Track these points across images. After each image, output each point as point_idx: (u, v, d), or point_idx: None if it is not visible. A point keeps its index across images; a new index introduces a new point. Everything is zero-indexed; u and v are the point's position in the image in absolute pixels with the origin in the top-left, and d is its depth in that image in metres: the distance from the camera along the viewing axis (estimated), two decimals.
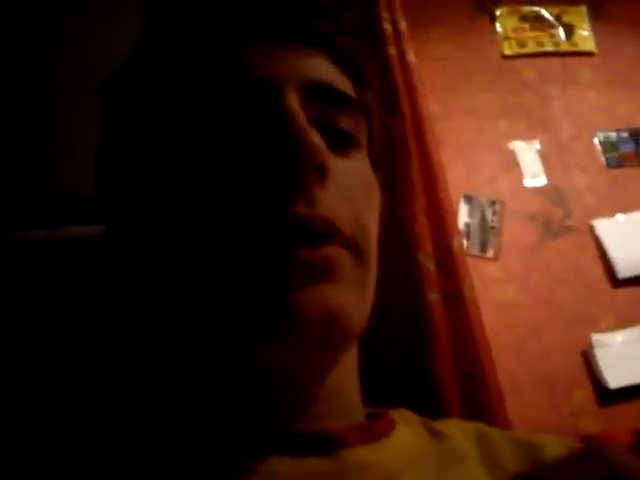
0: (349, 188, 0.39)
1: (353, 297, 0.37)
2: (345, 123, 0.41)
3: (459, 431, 0.44)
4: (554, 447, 0.44)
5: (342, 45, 0.43)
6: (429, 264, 1.18)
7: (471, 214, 1.89)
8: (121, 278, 0.45)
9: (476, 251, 1.84)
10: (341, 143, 0.41)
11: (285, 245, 0.34)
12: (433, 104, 1.81)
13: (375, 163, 0.46)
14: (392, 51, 1.36)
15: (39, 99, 1.10)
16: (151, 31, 0.45)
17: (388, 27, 1.38)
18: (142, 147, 0.41)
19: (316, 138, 0.35)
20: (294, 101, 0.37)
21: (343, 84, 0.42)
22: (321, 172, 0.36)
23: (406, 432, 0.42)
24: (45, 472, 0.35)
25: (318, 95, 0.40)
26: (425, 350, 1.14)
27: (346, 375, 0.42)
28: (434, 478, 0.39)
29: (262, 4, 0.41)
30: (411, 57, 1.38)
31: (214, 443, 0.37)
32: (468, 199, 1.91)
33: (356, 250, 0.38)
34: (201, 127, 0.38)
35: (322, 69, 0.41)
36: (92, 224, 0.57)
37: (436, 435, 0.43)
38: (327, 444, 0.37)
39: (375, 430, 0.40)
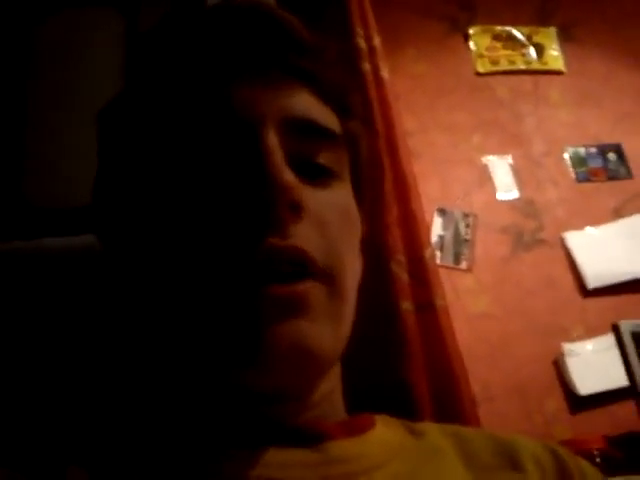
0: (325, 220, 0.40)
1: (326, 330, 0.38)
2: (325, 157, 0.42)
3: (437, 431, 0.46)
4: (528, 443, 0.45)
5: (325, 78, 0.44)
6: (402, 274, 1.21)
7: (445, 226, 1.93)
8: (113, 291, 0.46)
9: (450, 263, 1.88)
10: (320, 175, 0.41)
11: (257, 280, 0.35)
12: (409, 120, 1.86)
13: (359, 188, 0.47)
14: (366, 67, 1.39)
15: (12, 111, 1.11)
16: (141, 66, 0.47)
17: (362, 43, 1.42)
18: (134, 172, 0.42)
19: (290, 177, 0.37)
20: (272, 139, 0.38)
21: (325, 117, 0.43)
22: (295, 208, 0.37)
23: (386, 429, 0.44)
24: (33, 466, 0.36)
25: (298, 130, 0.40)
26: (398, 359, 1.17)
27: (331, 386, 0.43)
28: (414, 469, 0.40)
29: (244, 41, 0.42)
30: (385, 73, 1.42)
31: (208, 436, 0.38)
32: (442, 212, 1.95)
33: (330, 282, 0.39)
34: (186, 161, 0.39)
35: (303, 104, 0.42)
36: (64, 235, 0.58)
37: (415, 433, 0.45)
38: (314, 437, 0.39)
39: (356, 425, 0.42)
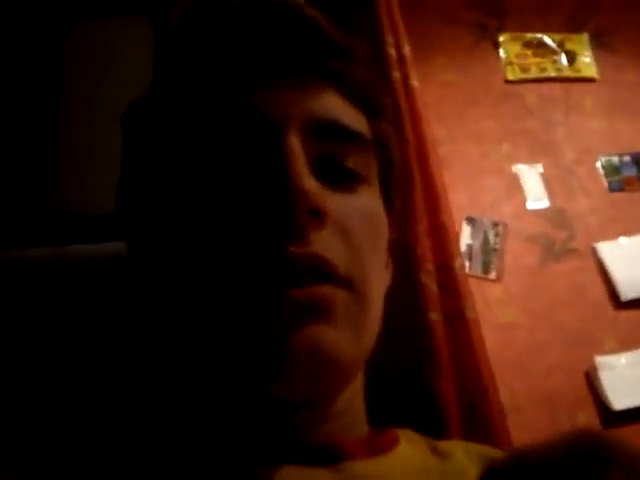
0: (349, 226, 0.39)
1: (346, 336, 0.37)
2: (351, 161, 0.41)
3: (462, 452, 0.44)
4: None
5: (353, 79, 0.43)
6: (431, 284, 1.20)
7: (474, 236, 1.91)
8: (139, 297, 0.46)
9: (478, 272, 1.86)
10: (347, 179, 0.41)
11: (276, 286, 0.35)
12: (437, 128, 1.85)
13: (389, 193, 0.46)
14: (396, 75, 1.39)
15: (41, 117, 1.13)
16: (167, 65, 0.46)
17: (392, 52, 1.41)
18: (158, 175, 0.42)
19: (310, 183, 0.36)
20: (294, 142, 0.38)
21: (353, 119, 0.42)
22: (317, 215, 0.36)
23: (409, 448, 0.43)
24: (54, 475, 0.36)
25: (324, 132, 0.40)
26: (427, 369, 1.16)
27: (354, 394, 0.43)
28: None
29: (271, 40, 0.41)
30: (415, 82, 1.41)
31: (225, 450, 0.38)
32: (471, 221, 1.93)
33: (352, 289, 0.38)
34: (209, 164, 0.39)
35: (329, 105, 0.41)
36: (93, 242, 0.59)
37: (439, 453, 0.43)
38: (333, 456, 0.38)
39: (379, 444, 0.41)
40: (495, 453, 0.46)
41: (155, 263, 0.41)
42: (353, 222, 0.40)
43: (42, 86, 1.14)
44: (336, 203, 0.38)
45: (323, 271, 0.36)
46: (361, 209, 0.41)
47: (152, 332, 0.46)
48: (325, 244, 0.37)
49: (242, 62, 0.41)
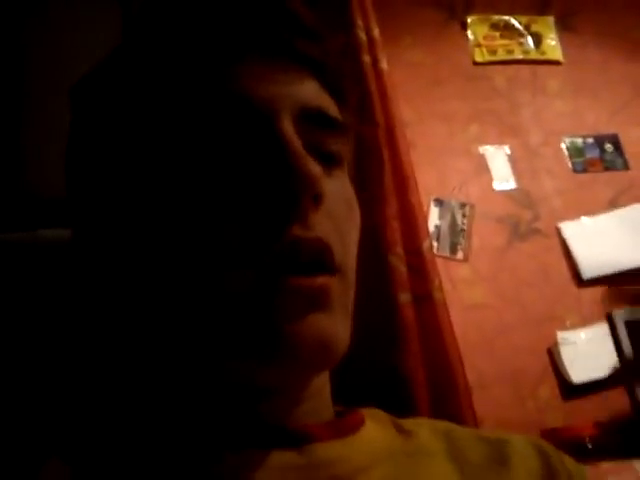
0: (336, 210, 0.39)
1: (342, 324, 0.37)
2: (335, 146, 0.41)
3: (427, 429, 0.45)
4: (519, 443, 0.46)
5: (330, 68, 0.43)
6: (400, 266, 1.22)
7: (441, 217, 1.94)
8: (89, 283, 0.44)
9: (446, 253, 1.89)
10: (327, 164, 0.40)
11: (278, 272, 0.34)
12: (405, 109, 1.86)
13: (360, 176, 0.47)
14: (366, 59, 1.39)
15: (10, 100, 1.10)
16: (132, 36, 0.44)
17: (362, 35, 1.42)
18: (116, 153, 0.40)
19: (315, 167, 0.35)
20: (290, 127, 0.37)
21: (332, 107, 0.42)
22: (318, 199, 0.36)
23: (374, 429, 0.43)
24: (14, 456, 0.36)
25: (311, 119, 0.39)
26: (395, 349, 1.18)
27: (323, 378, 0.43)
28: (401, 472, 0.40)
29: (251, 19, 0.40)
30: (384, 64, 1.42)
31: (193, 435, 0.38)
32: (439, 202, 1.96)
33: (342, 276, 0.38)
34: (184, 142, 0.37)
35: (314, 93, 0.41)
36: (66, 227, 0.58)
37: (404, 432, 0.44)
38: (298, 439, 0.38)
39: (344, 426, 0.41)
40: (458, 429, 0.47)
41: (125, 249, 0.40)
42: (339, 207, 0.40)
43: (8, 67, 1.12)
44: (327, 187, 0.38)
45: (323, 258, 0.36)
46: (343, 194, 0.41)
47: (120, 315, 0.45)
48: (324, 228, 0.37)
49: (219, 36, 0.39)
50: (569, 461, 0.47)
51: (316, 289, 0.35)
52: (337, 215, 0.39)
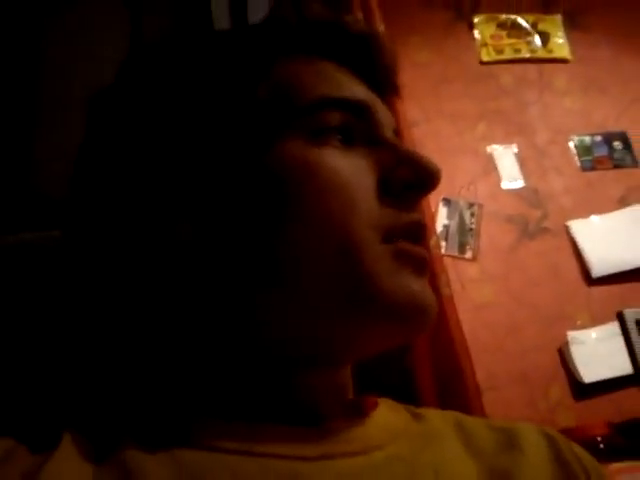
0: None
1: None
2: None
3: (437, 416, 0.46)
4: (529, 432, 0.46)
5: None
6: None
7: (450, 216, 1.93)
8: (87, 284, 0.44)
9: (455, 252, 1.89)
10: None
11: (400, 237, 0.39)
12: (412, 109, 1.86)
13: None
14: None
15: (23, 103, 1.11)
16: (149, 50, 0.45)
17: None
18: (133, 164, 0.40)
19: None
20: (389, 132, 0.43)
21: None
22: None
23: (389, 412, 0.44)
24: (29, 429, 0.36)
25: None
26: (402, 346, 1.18)
27: (351, 370, 0.44)
28: (415, 452, 0.41)
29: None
30: None
31: (216, 404, 0.38)
32: (447, 201, 1.95)
33: None
34: (212, 153, 0.38)
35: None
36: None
37: (417, 416, 0.45)
38: (315, 417, 0.39)
39: (360, 406, 0.43)
40: (467, 418, 0.48)
41: (123, 247, 0.40)
42: None
43: (23, 69, 1.12)
44: None
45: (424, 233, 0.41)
46: None
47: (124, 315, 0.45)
48: None
49: (246, 49, 0.41)
50: (580, 450, 0.47)
51: (426, 257, 0.40)
52: None
